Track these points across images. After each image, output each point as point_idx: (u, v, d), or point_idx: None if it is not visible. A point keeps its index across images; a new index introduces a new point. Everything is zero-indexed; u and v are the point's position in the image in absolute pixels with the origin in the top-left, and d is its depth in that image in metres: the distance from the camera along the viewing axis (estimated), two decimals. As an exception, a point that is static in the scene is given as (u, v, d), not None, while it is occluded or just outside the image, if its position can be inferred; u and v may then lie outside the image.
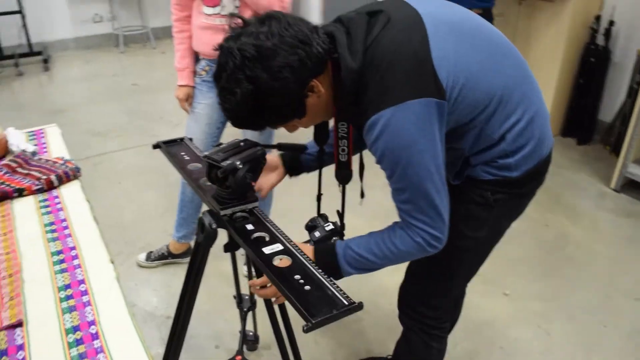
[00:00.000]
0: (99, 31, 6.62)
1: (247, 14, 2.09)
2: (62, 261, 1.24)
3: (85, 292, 1.14)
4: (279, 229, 1.26)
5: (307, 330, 0.98)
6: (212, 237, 1.35)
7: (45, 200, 1.51)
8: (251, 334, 2.10)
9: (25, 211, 1.46)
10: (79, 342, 1.01)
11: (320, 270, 1.12)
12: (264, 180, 1.57)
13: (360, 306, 1.04)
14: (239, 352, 1.79)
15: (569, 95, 4.07)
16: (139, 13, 6.69)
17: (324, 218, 1.52)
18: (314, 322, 0.98)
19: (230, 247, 1.46)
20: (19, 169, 1.63)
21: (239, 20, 1.16)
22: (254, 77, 1.08)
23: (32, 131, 1.98)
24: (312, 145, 1.52)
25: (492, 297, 2.47)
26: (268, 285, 1.28)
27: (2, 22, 5.87)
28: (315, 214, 1.53)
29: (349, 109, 1.21)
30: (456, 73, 1.13)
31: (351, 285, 2.44)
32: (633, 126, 3.26)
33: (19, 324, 1.06)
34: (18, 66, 5.83)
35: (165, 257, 2.66)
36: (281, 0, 2.11)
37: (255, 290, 1.31)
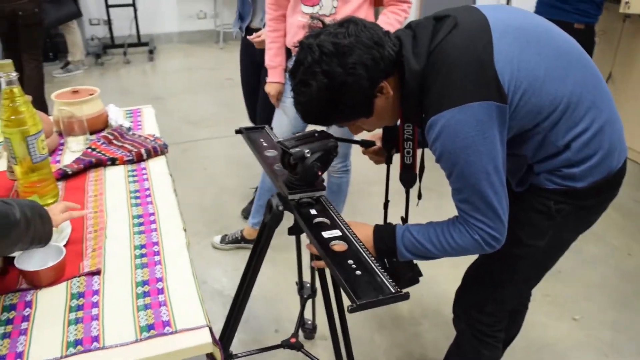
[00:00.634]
0: (202, 27, 6.99)
1: (345, 12, 2.16)
2: (141, 224, 1.37)
3: (157, 253, 1.25)
4: (341, 217, 1.31)
5: (351, 310, 1.02)
6: (278, 218, 1.42)
7: (134, 170, 1.65)
8: (309, 322, 2.16)
9: (115, 178, 1.60)
10: (146, 294, 1.12)
11: (373, 259, 1.16)
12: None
13: (406, 296, 1.07)
14: (294, 334, 1.86)
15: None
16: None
17: None
18: (358, 303, 1.02)
19: (294, 231, 1.53)
20: (115, 141, 1.79)
21: (319, 23, 1.24)
22: (330, 71, 1.15)
23: (130, 110, 2.16)
24: None
25: (560, 320, 2.39)
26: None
27: (117, 14, 6.35)
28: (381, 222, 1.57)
29: (413, 110, 1.25)
30: (519, 78, 1.14)
31: (415, 291, 2.47)
32: None
33: (98, 272, 1.18)
34: (126, 55, 6.28)
35: (238, 241, 2.79)
36: None
37: (312, 252, 1.34)
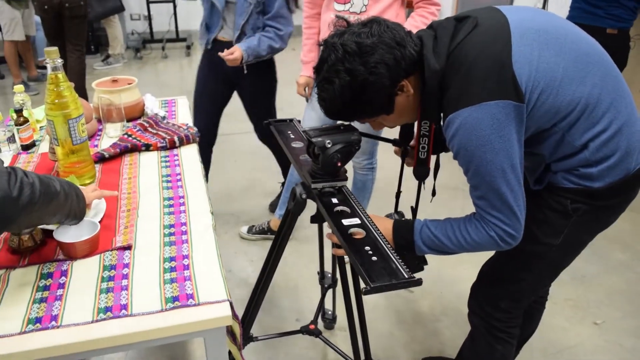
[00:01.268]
0: (239, 24, 7.10)
1: (375, 11, 2.21)
2: (171, 205, 1.44)
3: (184, 232, 1.32)
4: (362, 207, 1.36)
5: (365, 292, 1.07)
6: (301, 206, 1.48)
7: (166, 156, 1.73)
8: (330, 312, 2.22)
9: (149, 163, 1.69)
10: (172, 269, 1.19)
11: (389, 246, 1.21)
12: None
13: (419, 282, 1.11)
14: (313, 321, 1.91)
15: None
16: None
17: (400, 214, 1.60)
18: (372, 286, 1.07)
19: (316, 219, 1.58)
20: (150, 129, 1.88)
21: (344, 22, 1.29)
22: (352, 69, 1.20)
23: (166, 100, 2.25)
24: None
25: (580, 324, 2.38)
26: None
27: (157, 9, 6.52)
28: (392, 210, 1.62)
29: (431, 108, 1.29)
30: (537, 78, 1.17)
31: (434, 289, 2.50)
32: None
33: (129, 247, 1.26)
34: (164, 50, 6.44)
35: (265, 232, 2.86)
36: None
37: (332, 240, 1.39)
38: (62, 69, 1.40)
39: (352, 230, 1.27)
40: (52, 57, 1.38)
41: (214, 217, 1.41)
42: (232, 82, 2.64)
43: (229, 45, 2.45)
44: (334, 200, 1.39)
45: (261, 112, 2.73)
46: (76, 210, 1.20)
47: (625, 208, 1.39)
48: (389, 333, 2.29)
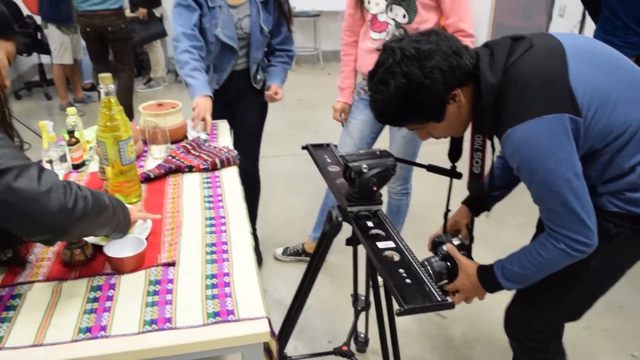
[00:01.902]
0: (277, 49, 7.26)
1: None
2: (212, 225, 1.50)
3: (225, 251, 1.38)
4: (396, 230, 1.40)
5: (399, 313, 1.11)
6: (337, 228, 1.52)
7: (208, 177, 1.80)
8: (362, 335, 2.23)
9: (192, 183, 1.76)
10: (214, 285, 1.24)
11: (423, 269, 1.24)
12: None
13: (451, 305, 1.14)
14: (346, 343, 1.93)
15: None
16: (313, 36, 7.23)
17: (448, 236, 1.63)
18: (406, 307, 1.11)
19: (351, 241, 1.62)
20: (192, 151, 1.96)
21: (403, 31, 1.35)
22: (409, 72, 1.25)
23: (207, 123, 2.33)
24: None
25: (617, 356, 2.34)
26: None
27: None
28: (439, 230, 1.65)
29: (486, 122, 1.33)
30: (592, 96, 1.20)
31: (467, 315, 2.49)
32: None
33: (173, 264, 1.32)
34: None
35: (299, 254, 2.90)
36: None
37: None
38: (114, 94, 1.49)
39: (386, 253, 1.30)
40: (105, 82, 1.47)
41: (252, 237, 1.47)
42: (233, 108, 2.57)
43: (244, 73, 2.45)
44: (370, 224, 1.43)
45: (251, 140, 2.68)
46: (122, 225, 1.27)
47: None
48: (420, 358, 2.29)
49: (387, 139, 2.54)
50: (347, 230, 1.52)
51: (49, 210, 1.00)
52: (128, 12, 5.48)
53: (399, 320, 1.71)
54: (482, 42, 1.41)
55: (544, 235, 1.31)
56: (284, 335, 1.75)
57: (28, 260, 1.33)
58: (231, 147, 2.05)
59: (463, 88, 1.30)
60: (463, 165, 1.54)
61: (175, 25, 2.26)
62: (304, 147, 1.85)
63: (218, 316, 1.14)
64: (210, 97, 2.15)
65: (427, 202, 3.42)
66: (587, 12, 3.85)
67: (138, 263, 1.30)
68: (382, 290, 1.60)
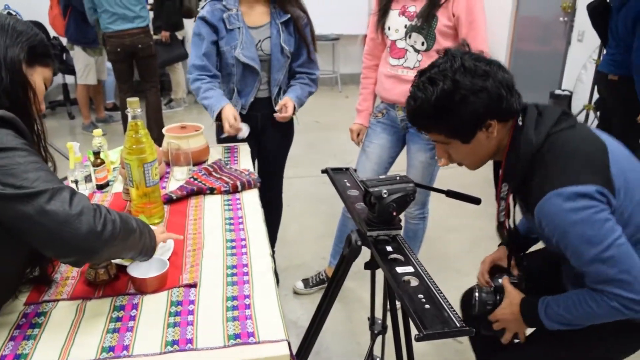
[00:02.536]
0: (295, 72, 7.35)
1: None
2: (233, 247, 1.53)
3: (246, 273, 1.40)
4: (415, 255, 1.41)
5: (418, 339, 1.11)
6: (356, 252, 1.54)
7: (229, 200, 1.83)
8: (378, 359, 2.22)
9: (213, 205, 1.79)
10: (234, 307, 1.26)
11: (442, 294, 1.25)
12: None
13: (471, 331, 1.14)
14: (363, 367, 1.93)
15: None
16: (331, 59, 7.31)
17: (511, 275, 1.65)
18: (425, 333, 1.11)
19: (370, 266, 1.63)
20: (214, 173, 1.99)
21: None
22: (459, 82, 1.28)
23: (229, 146, 2.37)
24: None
25: None
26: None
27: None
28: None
29: (517, 173, 1.35)
30: (627, 189, 1.27)
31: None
32: None
33: (194, 285, 1.34)
34: (224, 94, 6.71)
35: (324, 282, 2.88)
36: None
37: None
38: (141, 117, 1.53)
39: (405, 277, 1.31)
40: (133, 106, 1.51)
41: (272, 260, 1.49)
42: (258, 137, 2.54)
43: (267, 101, 2.43)
44: (389, 248, 1.44)
45: (275, 168, 2.71)
46: (148, 248, 1.30)
47: None
48: (437, 383, 2.27)
49: (404, 164, 2.56)
50: (365, 254, 1.53)
51: (79, 233, 1.03)
52: (151, 35, 5.60)
53: (416, 345, 1.70)
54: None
55: (593, 290, 1.29)
56: (301, 357, 1.75)
57: (53, 279, 1.36)
58: (252, 169, 2.08)
59: (500, 123, 1.34)
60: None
61: (190, 56, 2.34)
62: (323, 171, 1.87)
63: (238, 338, 1.16)
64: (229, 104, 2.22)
65: (443, 225, 3.42)
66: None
67: (160, 284, 1.33)
68: (399, 314, 1.61)
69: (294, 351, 1.77)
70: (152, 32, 4.77)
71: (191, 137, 2.09)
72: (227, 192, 1.87)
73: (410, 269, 1.35)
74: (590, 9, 3.66)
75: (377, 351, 2.23)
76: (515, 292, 1.48)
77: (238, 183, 1.89)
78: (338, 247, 2.79)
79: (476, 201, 1.58)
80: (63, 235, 1.03)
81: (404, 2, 2.27)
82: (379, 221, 1.48)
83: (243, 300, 1.29)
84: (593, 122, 4.54)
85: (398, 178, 1.49)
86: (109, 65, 5.57)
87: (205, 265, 1.43)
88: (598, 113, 4.33)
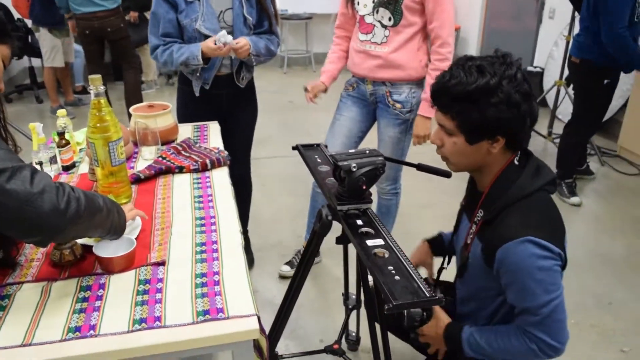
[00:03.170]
0: (269, 52, 7.28)
1: (396, 43, 2.27)
2: (202, 225, 1.51)
3: (215, 250, 1.38)
4: (385, 228, 1.41)
5: (388, 309, 1.11)
6: (326, 227, 1.53)
7: (198, 178, 1.81)
8: (353, 334, 2.24)
9: (182, 184, 1.76)
10: (203, 284, 1.25)
11: (412, 266, 1.25)
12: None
13: (440, 300, 1.15)
14: (337, 341, 1.94)
15: None
16: (304, 38, 7.25)
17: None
18: (394, 303, 1.11)
19: (341, 240, 1.62)
20: (183, 152, 1.96)
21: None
22: (504, 87, 1.28)
23: (198, 125, 2.34)
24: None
25: (606, 351, 2.36)
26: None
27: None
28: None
29: (496, 206, 1.37)
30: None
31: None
32: None
33: (162, 263, 1.32)
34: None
35: None
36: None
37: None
38: (104, 95, 1.50)
39: (376, 250, 1.31)
40: (95, 84, 1.47)
41: (242, 236, 1.47)
42: (221, 114, 2.48)
43: (228, 78, 2.38)
44: (359, 222, 1.44)
45: (242, 145, 2.66)
46: (117, 226, 1.27)
47: None
48: (412, 355, 2.30)
49: (375, 140, 2.56)
50: (337, 229, 1.53)
51: (41, 212, 1.01)
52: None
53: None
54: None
55: (520, 329, 1.36)
56: (275, 333, 1.75)
57: (18, 262, 1.33)
58: (222, 147, 2.05)
59: (504, 149, 1.36)
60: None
61: (149, 38, 2.29)
62: (294, 148, 1.86)
63: (208, 314, 1.15)
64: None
65: (418, 202, 3.44)
66: (575, 13, 3.91)
67: (128, 263, 1.31)
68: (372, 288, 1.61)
69: (269, 328, 1.78)
70: (122, 13, 4.66)
71: (159, 116, 2.05)
72: (196, 171, 1.84)
73: (380, 241, 1.35)
74: None
75: (352, 326, 2.25)
76: (443, 314, 1.53)
77: (207, 161, 1.86)
78: (312, 223, 2.79)
79: (447, 174, 1.58)
80: (25, 214, 1.00)
81: None
82: (349, 195, 1.47)
83: (212, 277, 1.27)
84: (564, 98, 4.59)
85: (367, 152, 1.48)
86: (76, 47, 5.45)
87: (174, 244, 1.41)
88: (570, 88, 4.38)
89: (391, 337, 1.75)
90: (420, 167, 1.62)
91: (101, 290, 1.23)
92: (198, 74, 2.32)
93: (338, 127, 2.57)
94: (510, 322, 1.43)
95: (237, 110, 2.50)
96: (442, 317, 1.53)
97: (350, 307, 2.01)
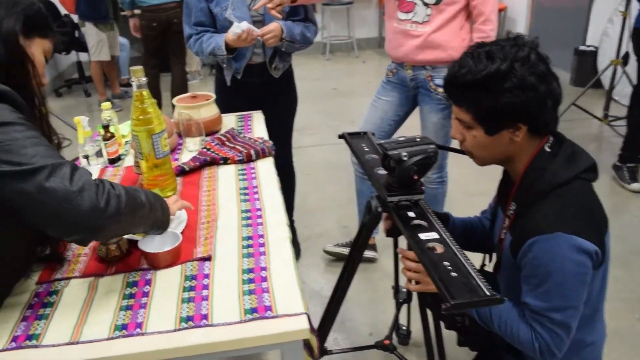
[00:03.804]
0: (311, 39, 7.21)
1: (438, 22, 2.17)
2: (248, 218, 1.47)
3: (262, 245, 1.34)
4: (439, 221, 1.33)
5: (445, 309, 1.04)
6: (376, 219, 1.47)
7: (243, 169, 1.77)
8: (404, 328, 2.17)
9: (227, 176, 1.73)
10: (251, 280, 1.21)
11: (469, 262, 1.17)
12: None
13: (501, 300, 1.07)
14: (388, 337, 1.88)
15: None
16: (346, 24, 7.14)
17: None
18: (452, 303, 1.04)
19: (392, 233, 1.56)
20: (227, 142, 1.92)
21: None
22: (516, 70, 1.19)
23: (242, 114, 2.30)
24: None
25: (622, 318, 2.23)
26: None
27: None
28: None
29: (529, 199, 1.28)
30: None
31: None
32: None
33: (208, 258, 1.29)
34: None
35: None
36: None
37: (402, 260, 1.41)
38: (146, 87, 1.47)
39: (430, 244, 1.24)
40: (137, 75, 1.44)
41: (289, 229, 1.42)
42: (257, 104, 2.40)
43: (261, 67, 2.30)
44: (411, 214, 1.36)
45: (282, 132, 2.55)
46: (160, 221, 1.24)
47: None
48: (466, 352, 2.21)
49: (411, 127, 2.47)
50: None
51: (80, 210, 0.98)
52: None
53: (443, 313, 1.65)
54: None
55: (529, 322, 1.27)
56: (324, 328, 1.71)
57: (65, 257, 1.32)
58: (266, 137, 2.01)
59: (529, 135, 1.27)
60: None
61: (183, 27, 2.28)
62: (340, 136, 1.79)
63: (255, 312, 1.11)
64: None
65: (465, 189, 3.33)
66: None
67: (174, 258, 1.28)
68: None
69: (317, 320, 1.73)
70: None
71: (202, 107, 2.02)
72: (241, 162, 1.80)
73: (434, 234, 1.28)
74: None
75: (402, 320, 2.18)
76: None
77: (252, 152, 1.82)
78: (360, 211, 2.72)
79: None
80: (64, 213, 0.98)
81: None
82: (399, 186, 1.40)
83: (259, 272, 1.23)
84: (621, 77, 4.35)
85: (418, 139, 1.41)
86: (122, 40, 5.52)
87: (219, 238, 1.38)
88: (626, 68, 4.14)
89: (445, 332, 1.68)
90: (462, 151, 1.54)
91: (147, 286, 1.21)
92: (228, 63, 2.28)
93: (373, 110, 2.52)
94: None
95: (273, 100, 2.43)
96: None
97: (400, 300, 1.95)
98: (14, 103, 1.03)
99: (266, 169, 1.77)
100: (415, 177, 1.37)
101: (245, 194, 1.60)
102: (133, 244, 1.32)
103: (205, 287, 1.19)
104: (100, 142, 1.88)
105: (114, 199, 1.04)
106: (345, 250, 2.77)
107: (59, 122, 4.22)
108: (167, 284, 1.21)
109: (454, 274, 1.14)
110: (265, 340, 1.07)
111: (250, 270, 1.24)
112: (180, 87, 4.80)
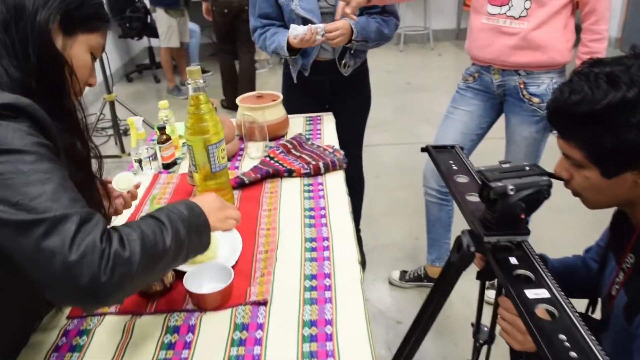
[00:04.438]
0: (384, 28, 6.91)
1: (539, 17, 1.86)
2: (313, 249, 1.25)
3: (328, 288, 1.12)
4: (548, 272, 1.06)
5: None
6: (468, 260, 1.21)
7: (310, 185, 1.55)
8: (482, 370, 1.91)
9: (291, 191, 1.52)
10: (312, 338, 0.99)
11: (591, 334, 0.91)
12: None
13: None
14: (467, 387, 1.63)
15: None
16: (422, 14, 6.78)
17: None
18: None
19: (484, 276, 1.30)
20: (293, 150, 1.71)
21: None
22: None
23: (311, 116, 2.08)
24: None
25: None
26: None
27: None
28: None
29: None
30: None
31: None
32: None
33: (264, 303, 1.08)
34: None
35: (421, 279, 2.52)
36: None
37: (500, 312, 1.18)
38: (204, 90, 1.27)
39: (539, 306, 0.98)
40: (194, 77, 1.25)
41: (361, 268, 1.20)
42: (326, 104, 2.23)
43: (330, 64, 2.08)
44: (513, 260, 1.10)
45: (352, 136, 2.30)
46: (197, 247, 0.97)
47: None
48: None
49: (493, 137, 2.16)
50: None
51: (79, 283, 0.76)
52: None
53: None
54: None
55: None
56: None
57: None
58: (337, 145, 1.78)
59: None
60: None
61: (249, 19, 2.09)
62: (423, 149, 1.54)
63: (318, 386, 0.89)
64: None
65: (552, 206, 2.97)
66: None
67: (223, 299, 1.08)
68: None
69: (380, 343, 1.49)
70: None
71: (267, 108, 1.82)
72: (307, 175, 1.59)
73: (544, 292, 1.01)
74: None
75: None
76: None
77: (321, 164, 1.60)
78: (433, 241, 2.43)
79: None
80: (60, 282, 0.76)
81: None
82: (498, 222, 1.14)
83: (324, 327, 1.01)
84: None
85: (527, 168, 1.14)
86: (192, 26, 5.43)
87: (279, 274, 1.16)
88: None
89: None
90: None
91: (190, 334, 1.01)
92: (293, 60, 2.07)
93: (452, 122, 2.18)
94: None
95: (344, 100, 2.19)
96: None
97: (480, 342, 1.68)
98: (35, 120, 0.83)
99: (336, 184, 1.54)
100: (522, 216, 1.11)
101: (311, 217, 1.38)
102: (180, 275, 1.13)
103: (258, 342, 0.98)
104: (155, 144, 1.71)
105: (121, 265, 0.80)
106: (411, 285, 2.53)
107: (122, 109, 4.16)
108: (213, 333, 1.01)
109: (572, 353, 0.88)
110: None
111: (312, 324, 1.02)
112: (247, 76, 4.67)
